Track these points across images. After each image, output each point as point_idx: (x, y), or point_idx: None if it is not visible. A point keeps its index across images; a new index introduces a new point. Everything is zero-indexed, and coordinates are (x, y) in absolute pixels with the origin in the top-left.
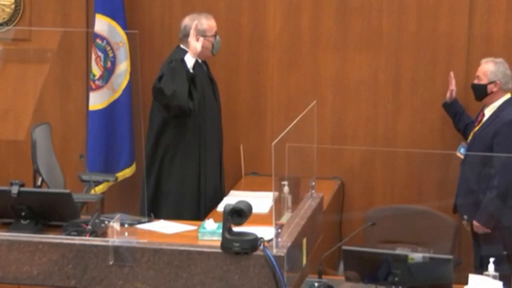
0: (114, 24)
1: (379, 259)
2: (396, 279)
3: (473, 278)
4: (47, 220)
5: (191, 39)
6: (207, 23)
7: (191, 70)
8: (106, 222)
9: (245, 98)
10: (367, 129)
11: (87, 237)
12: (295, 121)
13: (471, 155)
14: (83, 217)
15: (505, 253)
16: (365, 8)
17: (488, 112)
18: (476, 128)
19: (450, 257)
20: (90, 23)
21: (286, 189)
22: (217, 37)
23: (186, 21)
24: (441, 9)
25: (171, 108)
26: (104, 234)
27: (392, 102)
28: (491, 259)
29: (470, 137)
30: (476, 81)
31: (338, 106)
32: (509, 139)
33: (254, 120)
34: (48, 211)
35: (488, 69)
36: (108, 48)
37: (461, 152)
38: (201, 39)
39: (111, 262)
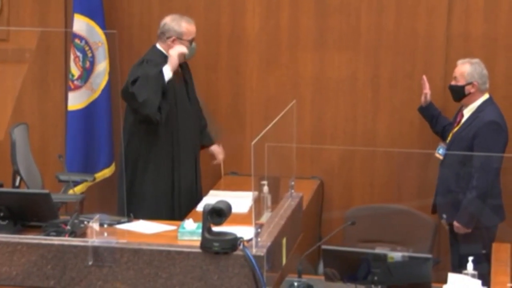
0: (92, 24)
1: (358, 258)
2: (376, 278)
3: (452, 277)
4: (26, 221)
5: (173, 52)
6: (186, 26)
7: (166, 81)
8: (85, 222)
9: (225, 97)
10: (346, 129)
11: (66, 238)
12: (274, 121)
13: (450, 156)
14: (62, 218)
15: (483, 251)
16: (344, 7)
17: (467, 112)
18: (456, 129)
19: (429, 256)
20: (68, 23)
21: (265, 188)
22: (193, 44)
23: (167, 20)
24: (419, 9)
25: (139, 114)
26: (83, 235)
27: (371, 102)
28: (470, 258)
29: (449, 138)
30: (453, 83)
31: (318, 105)
32: (488, 139)
33: (233, 120)
34: (27, 212)
35: (465, 70)
36: (87, 48)
37: (440, 153)
38: (177, 46)
39: (90, 263)
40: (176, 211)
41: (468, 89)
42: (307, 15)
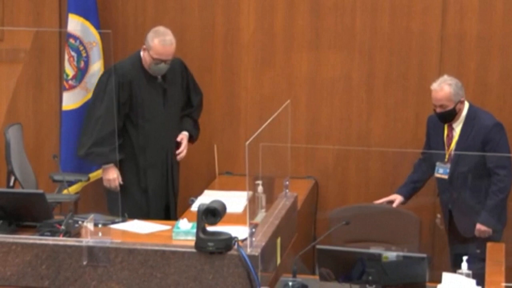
0: (87, 23)
1: (353, 258)
2: (370, 278)
3: (446, 276)
4: (21, 221)
5: (105, 176)
6: (157, 44)
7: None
8: (79, 222)
9: (219, 97)
10: (341, 128)
11: (60, 238)
12: (269, 121)
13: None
14: (57, 218)
15: (478, 251)
16: (339, 7)
17: (458, 125)
18: (453, 145)
19: (424, 255)
20: (63, 23)
21: (260, 188)
22: (160, 65)
23: (152, 29)
24: (414, 9)
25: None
26: (77, 235)
27: (366, 102)
28: (464, 258)
29: (448, 155)
30: (441, 110)
31: (312, 105)
32: (500, 141)
33: (228, 120)
34: (21, 212)
35: (448, 92)
36: (81, 48)
37: (441, 172)
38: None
39: (85, 263)
40: (150, 214)
41: (459, 107)
42: (302, 15)
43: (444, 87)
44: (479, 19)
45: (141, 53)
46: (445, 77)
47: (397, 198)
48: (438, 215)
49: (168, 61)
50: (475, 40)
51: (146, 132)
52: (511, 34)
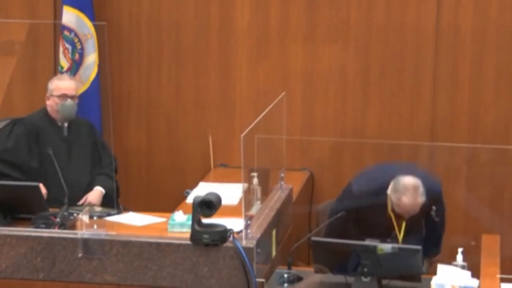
0: (82, 16)
1: (348, 250)
2: (366, 270)
3: (441, 268)
4: (16, 213)
5: None
6: (56, 83)
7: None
8: (75, 214)
9: (214, 89)
10: (336, 121)
11: (55, 230)
12: (264, 113)
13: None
14: (52, 210)
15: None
16: (334, 0)
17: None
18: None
19: (419, 247)
20: (57, 15)
21: (255, 180)
22: (67, 102)
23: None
24: (409, 1)
25: None
26: (73, 227)
27: (361, 94)
28: (459, 249)
29: (400, 233)
30: (408, 216)
31: (307, 97)
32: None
33: (223, 112)
34: (16, 204)
35: (421, 202)
36: (76, 40)
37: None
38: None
39: (80, 255)
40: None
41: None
42: (297, 8)
43: (418, 199)
44: (474, 12)
45: (46, 105)
46: (412, 183)
47: None
48: (434, 207)
49: (74, 97)
50: (470, 32)
51: (48, 184)
52: (506, 26)
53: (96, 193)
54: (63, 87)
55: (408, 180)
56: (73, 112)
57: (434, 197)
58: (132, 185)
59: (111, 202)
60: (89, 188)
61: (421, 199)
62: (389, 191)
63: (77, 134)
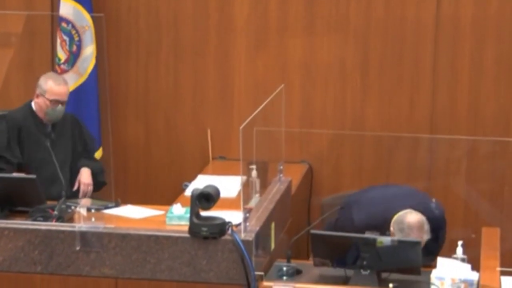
0: (79, 7)
1: (347, 243)
2: (365, 263)
3: (441, 261)
4: (13, 206)
5: None
6: (51, 85)
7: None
8: (72, 207)
9: (213, 82)
10: (335, 113)
11: (53, 223)
12: (263, 105)
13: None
14: (49, 203)
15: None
16: None
17: None
18: None
19: (418, 240)
20: (55, 6)
21: (254, 173)
22: (58, 107)
23: (41, 78)
24: None
25: None
26: (70, 220)
27: (360, 86)
28: (459, 242)
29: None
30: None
31: (306, 90)
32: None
33: (221, 104)
34: (13, 197)
35: (427, 228)
36: (74, 32)
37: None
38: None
39: (78, 248)
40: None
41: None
42: (296, 0)
43: (424, 238)
44: (474, 3)
45: (33, 103)
46: (416, 222)
47: None
48: (434, 199)
49: (64, 102)
50: (470, 25)
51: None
52: (506, 17)
53: (85, 172)
54: (58, 92)
55: (412, 219)
56: (61, 115)
57: (437, 226)
58: (130, 177)
59: (98, 183)
60: (73, 177)
61: (426, 236)
62: (393, 227)
63: (60, 130)
